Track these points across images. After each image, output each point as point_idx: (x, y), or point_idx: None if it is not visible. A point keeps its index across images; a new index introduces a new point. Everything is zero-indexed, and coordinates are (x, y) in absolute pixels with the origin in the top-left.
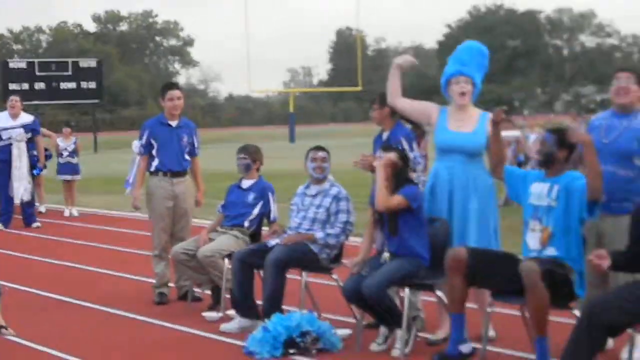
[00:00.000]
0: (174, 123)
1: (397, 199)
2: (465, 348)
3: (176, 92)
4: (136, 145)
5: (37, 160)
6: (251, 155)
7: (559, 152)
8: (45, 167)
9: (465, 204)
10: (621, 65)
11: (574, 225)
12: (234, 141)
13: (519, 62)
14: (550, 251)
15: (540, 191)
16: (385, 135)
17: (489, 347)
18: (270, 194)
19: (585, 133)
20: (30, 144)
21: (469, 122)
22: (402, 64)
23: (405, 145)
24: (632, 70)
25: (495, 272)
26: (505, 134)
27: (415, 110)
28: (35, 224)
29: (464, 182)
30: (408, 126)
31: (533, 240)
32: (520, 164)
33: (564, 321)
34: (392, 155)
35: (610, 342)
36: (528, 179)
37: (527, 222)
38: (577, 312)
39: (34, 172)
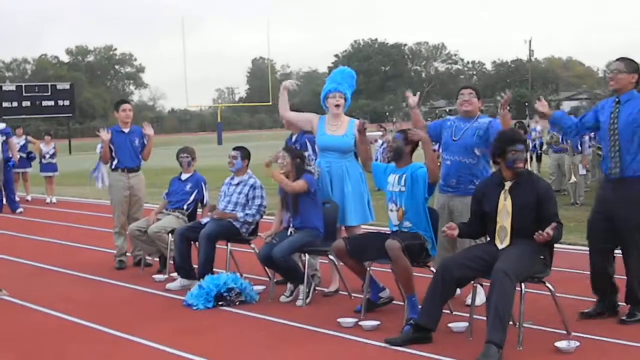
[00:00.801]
0: (126, 130)
1: (300, 183)
2: (384, 294)
3: (127, 105)
4: (99, 147)
5: (11, 157)
6: (191, 155)
7: (405, 147)
8: (24, 161)
9: (342, 188)
10: (464, 84)
11: (420, 203)
12: (176, 144)
13: (389, 83)
14: (406, 225)
15: (394, 180)
16: (294, 138)
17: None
18: (203, 184)
19: (423, 133)
20: (4, 144)
21: (341, 128)
22: (288, 86)
23: (309, 146)
24: (472, 86)
25: (369, 249)
26: (370, 134)
27: (300, 120)
28: (19, 210)
29: (340, 173)
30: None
31: (393, 217)
32: (389, 160)
33: (424, 276)
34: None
35: (458, 291)
36: (387, 171)
37: (388, 205)
38: (433, 268)
39: (10, 164)
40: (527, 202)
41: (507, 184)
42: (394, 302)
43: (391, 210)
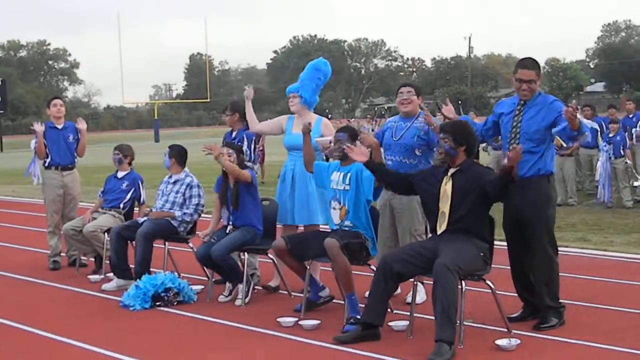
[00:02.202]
0: (60, 126)
1: (246, 173)
2: (323, 293)
3: (58, 101)
4: (33, 143)
5: None
6: (122, 152)
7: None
8: None
9: (305, 186)
10: (404, 81)
11: (363, 203)
12: (112, 142)
13: (328, 80)
14: (347, 224)
15: (337, 178)
16: (234, 134)
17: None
18: (140, 182)
19: (373, 138)
20: None
21: None
22: (248, 95)
23: (245, 142)
24: (412, 84)
25: (310, 248)
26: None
27: (271, 128)
28: None
29: (303, 171)
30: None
31: (335, 216)
32: (328, 157)
33: (365, 274)
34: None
35: (399, 290)
36: (330, 169)
37: (330, 203)
38: (373, 267)
39: None
40: (467, 186)
41: (451, 170)
42: (334, 301)
43: (334, 209)
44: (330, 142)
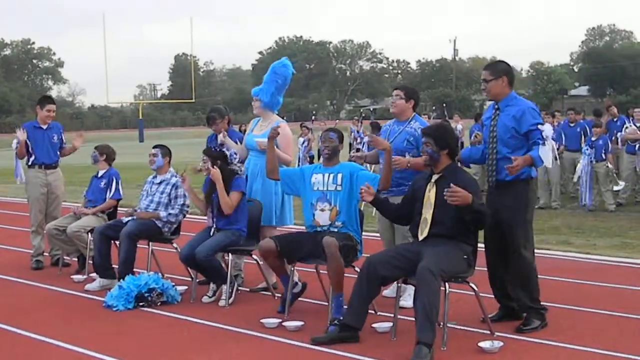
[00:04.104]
0: (45, 126)
1: (236, 196)
2: (296, 289)
3: (53, 106)
4: (14, 143)
5: None
6: (98, 150)
7: (339, 146)
8: None
9: (252, 185)
10: (397, 84)
11: (354, 204)
12: (96, 141)
13: (313, 81)
14: (337, 225)
15: (324, 179)
16: (220, 138)
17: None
18: (115, 178)
19: (386, 142)
20: None
21: (265, 128)
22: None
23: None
24: (403, 87)
25: (300, 249)
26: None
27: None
28: None
29: (254, 170)
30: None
31: (323, 217)
32: (312, 159)
33: (349, 276)
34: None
35: (388, 292)
36: (305, 173)
37: (314, 205)
38: (357, 269)
39: None
40: None
41: (434, 177)
42: (319, 302)
43: (322, 210)
44: (307, 138)
